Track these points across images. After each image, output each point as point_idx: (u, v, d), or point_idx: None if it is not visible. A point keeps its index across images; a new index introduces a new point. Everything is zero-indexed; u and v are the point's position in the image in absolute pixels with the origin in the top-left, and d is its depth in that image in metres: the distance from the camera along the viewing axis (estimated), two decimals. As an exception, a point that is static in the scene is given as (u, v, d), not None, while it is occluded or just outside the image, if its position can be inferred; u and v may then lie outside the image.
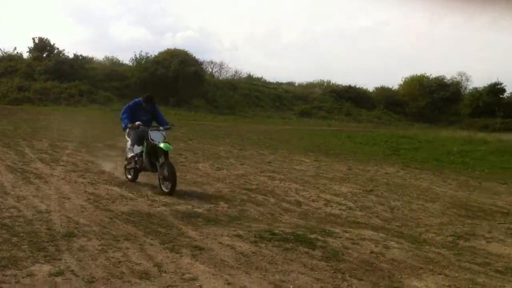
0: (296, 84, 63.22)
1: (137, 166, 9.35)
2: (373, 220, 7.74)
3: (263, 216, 7.58)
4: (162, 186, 8.73)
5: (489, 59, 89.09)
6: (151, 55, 44.54)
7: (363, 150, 18.78)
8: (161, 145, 8.84)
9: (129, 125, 9.18)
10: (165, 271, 4.87)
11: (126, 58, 74.02)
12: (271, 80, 60.35)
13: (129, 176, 9.67)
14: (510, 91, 60.28)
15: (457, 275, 5.34)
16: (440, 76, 63.22)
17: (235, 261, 5.31)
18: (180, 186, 8.87)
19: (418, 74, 63.35)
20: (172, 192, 8.48)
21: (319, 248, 5.95)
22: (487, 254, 6.26)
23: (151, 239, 5.93)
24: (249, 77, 59.34)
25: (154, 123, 9.56)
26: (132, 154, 9.43)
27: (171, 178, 8.54)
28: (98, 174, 10.14)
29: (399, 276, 5.18)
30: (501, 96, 59.39)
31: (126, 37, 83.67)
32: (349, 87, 60.11)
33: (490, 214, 8.66)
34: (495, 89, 58.86)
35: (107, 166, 11.03)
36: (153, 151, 9.04)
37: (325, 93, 57.56)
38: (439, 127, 42.51)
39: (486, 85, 59.10)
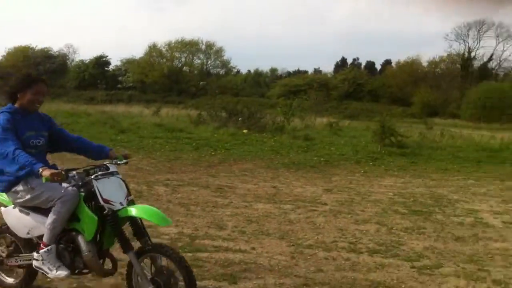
0: None
1: (56, 267, 3.56)
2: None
3: None
4: None
5: (96, 31, 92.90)
6: None
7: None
8: (134, 212, 3.54)
9: (45, 174, 3.29)
10: None
11: None
12: None
13: (8, 280, 4.06)
14: (114, 64, 64.10)
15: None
16: (46, 47, 62.66)
17: None
18: None
19: (23, 45, 61.55)
20: None
21: None
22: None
23: None
24: None
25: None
26: (34, 236, 3.79)
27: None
28: None
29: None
30: (106, 68, 62.77)
31: None
32: None
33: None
34: (101, 62, 61.78)
35: None
36: (114, 228, 3.57)
37: None
38: (47, 101, 42.40)
39: (92, 57, 61.44)
